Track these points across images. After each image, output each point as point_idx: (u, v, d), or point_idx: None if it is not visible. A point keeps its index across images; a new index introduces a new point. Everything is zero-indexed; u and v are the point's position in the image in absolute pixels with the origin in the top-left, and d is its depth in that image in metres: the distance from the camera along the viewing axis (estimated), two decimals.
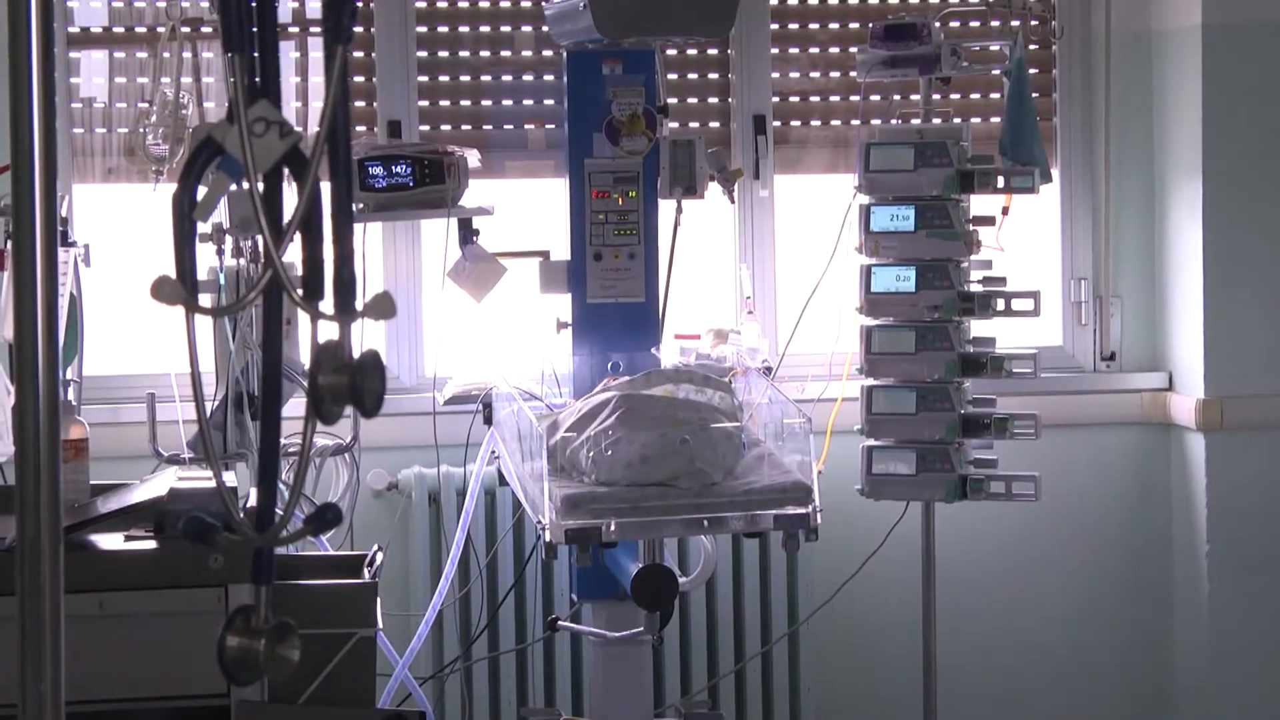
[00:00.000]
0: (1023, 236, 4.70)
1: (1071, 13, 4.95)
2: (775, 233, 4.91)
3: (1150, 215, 4.98)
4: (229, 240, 3.92)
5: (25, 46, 1.44)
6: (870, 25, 4.46)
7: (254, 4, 1.60)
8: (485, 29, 4.83)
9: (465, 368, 4.61)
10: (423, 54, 4.79)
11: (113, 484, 3.74)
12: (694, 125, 4.86)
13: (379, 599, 3.49)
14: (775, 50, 4.91)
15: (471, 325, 4.66)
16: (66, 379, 3.95)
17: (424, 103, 4.78)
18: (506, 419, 4.13)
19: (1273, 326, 4.83)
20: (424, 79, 4.79)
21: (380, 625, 3.46)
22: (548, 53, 4.75)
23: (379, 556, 3.65)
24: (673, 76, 4.77)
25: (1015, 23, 4.68)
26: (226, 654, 1.72)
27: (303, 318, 1.71)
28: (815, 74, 4.95)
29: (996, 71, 4.56)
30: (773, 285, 4.90)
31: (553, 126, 4.77)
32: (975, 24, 4.90)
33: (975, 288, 4.32)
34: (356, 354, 1.62)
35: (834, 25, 4.94)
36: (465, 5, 4.83)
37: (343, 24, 1.56)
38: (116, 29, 4.67)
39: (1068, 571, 4.98)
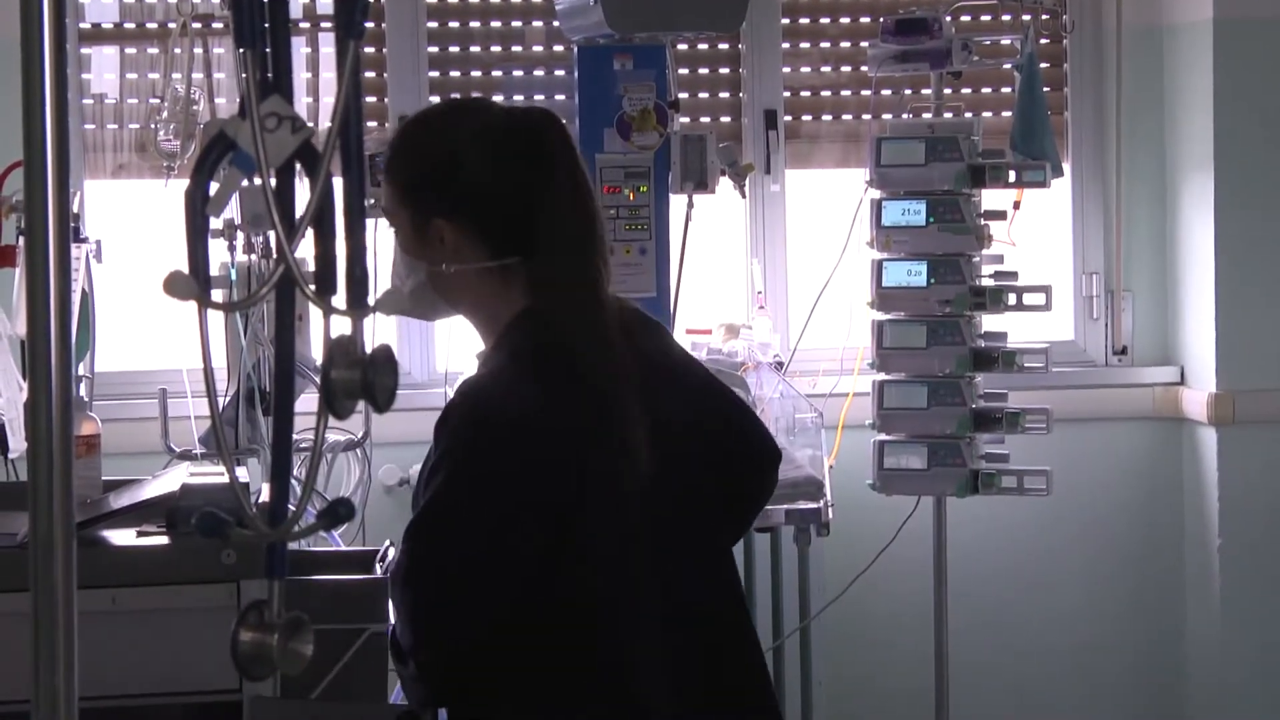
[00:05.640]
0: (1034, 231, 4.69)
1: (1083, 7, 4.94)
2: (786, 227, 4.91)
3: (1162, 209, 4.97)
4: (241, 236, 3.92)
5: (37, 42, 1.44)
6: (881, 20, 4.46)
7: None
8: (496, 24, 4.83)
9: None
10: (434, 49, 4.80)
11: (125, 480, 3.74)
12: (705, 120, 4.86)
13: None
14: (786, 45, 4.91)
15: None
16: (79, 375, 3.96)
17: (435, 98, 4.78)
18: None
19: None
20: (435, 74, 4.79)
21: (393, 621, 3.46)
22: (558, 48, 4.75)
23: (391, 552, 3.65)
24: (684, 71, 4.76)
25: (1026, 17, 4.67)
26: (239, 649, 1.72)
27: (314, 313, 1.71)
28: (826, 69, 4.95)
29: (1007, 66, 4.55)
30: (784, 280, 4.89)
31: (564, 121, 4.76)
32: (986, 18, 4.89)
33: (987, 282, 4.32)
34: (369, 349, 1.62)
35: (845, 20, 4.94)
36: (476, 1, 4.83)
37: (354, 19, 1.56)
38: (128, 25, 4.68)
39: (1079, 566, 4.98)
